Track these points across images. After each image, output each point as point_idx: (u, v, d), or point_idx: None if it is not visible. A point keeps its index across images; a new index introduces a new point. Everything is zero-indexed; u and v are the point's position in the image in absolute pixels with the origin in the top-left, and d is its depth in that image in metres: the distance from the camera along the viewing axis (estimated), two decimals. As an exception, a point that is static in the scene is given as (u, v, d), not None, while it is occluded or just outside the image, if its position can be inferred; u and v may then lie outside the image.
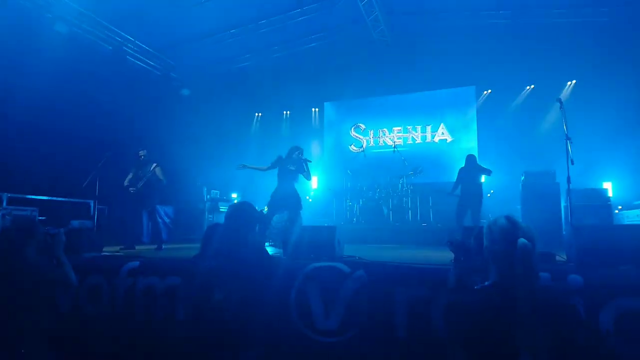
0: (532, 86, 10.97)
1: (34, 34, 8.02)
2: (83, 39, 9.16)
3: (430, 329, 3.28)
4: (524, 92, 11.10)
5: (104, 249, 5.50)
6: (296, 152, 6.55)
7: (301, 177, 6.62)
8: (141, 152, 7.12)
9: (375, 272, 3.68)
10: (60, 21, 8.37)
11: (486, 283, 2.19)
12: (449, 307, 3.18)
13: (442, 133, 11.86)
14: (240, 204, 3.11)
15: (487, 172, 7.71)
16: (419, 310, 3.35)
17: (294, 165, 6.49)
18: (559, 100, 5.33)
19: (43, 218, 7.29)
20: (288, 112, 13.63)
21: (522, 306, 1.98)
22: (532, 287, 1.99)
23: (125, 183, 6.96)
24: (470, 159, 7.94)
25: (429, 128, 12.05)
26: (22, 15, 7.92)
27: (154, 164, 6.98)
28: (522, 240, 2.03)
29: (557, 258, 3.97)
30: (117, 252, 5.81)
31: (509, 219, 2.17)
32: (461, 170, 7.90)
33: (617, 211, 8.78)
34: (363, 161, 11.33)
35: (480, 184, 7.73)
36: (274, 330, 3.52)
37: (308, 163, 6.56)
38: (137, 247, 6.56)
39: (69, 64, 8.26)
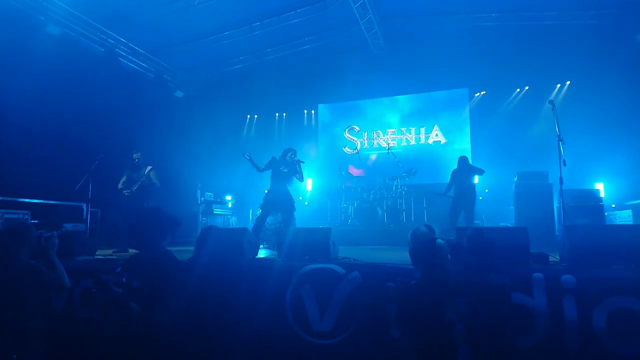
0: (527, 87, 11.05)
1: (26, 36, 7.95)
2: (75, 41, 9.11)
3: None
4: (516, 93, 11.18)
5: (97, 252, 5.47)
6: (289, 154, 6.58)
7: (295, 178, 6.62)
8: (135, 155, 7.08)
9: (369, 274, 3.69)
10: (52, 23, 8.33)
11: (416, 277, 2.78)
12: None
13: (436, 135, 11.91)
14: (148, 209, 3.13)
15: (480, 172, 7.77)
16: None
17: (287, 167, 6.51)
18: (551, 102, 5.38)
19: (35, 221, 7.23)
20: (283, 114, 13.63)
21: (443, 292, 2.61)
22: (448, 277, 2.65)
23: (120, 186, 6.91)
24: (462, 160, 8.00)
25: (422, 130, 12.10)
26: (14, 17, 7.86)
27: (148, 167, 6.95)
28: (439, 240, 2.75)
29: (551, 258, 4.00)
30: (110, 255, 5.77)
31: (428, 226, 2.95)
32: (454, 172, 7.96)
33: (607, 213, 8.86)
34: (357, 163, 11.36)
35: (473, 185, 7.75)
36: (269, 333, 3.52)
37: (301, 164, 6.57)
38: (130, 250, 6.50)
39: (61, 65, 8.20)
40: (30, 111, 7.81)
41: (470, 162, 8.31)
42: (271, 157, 6.65)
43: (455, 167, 7.98)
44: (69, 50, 8.77)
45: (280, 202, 6.46)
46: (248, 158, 6.60)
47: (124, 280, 2.64)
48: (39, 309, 2.89)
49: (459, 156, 8.19)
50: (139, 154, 7.11)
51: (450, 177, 8.01)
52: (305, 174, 6.99)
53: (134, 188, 6.80)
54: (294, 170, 6.53)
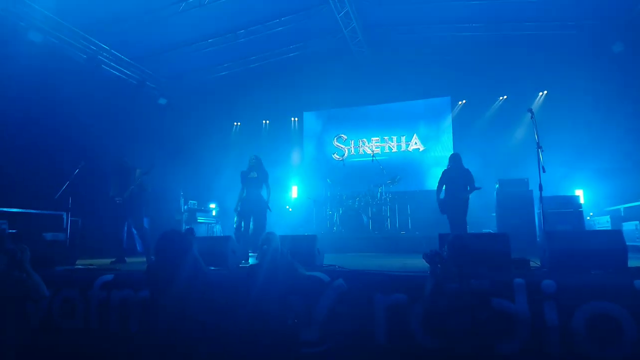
0: (505, 96, 11.27)
1: (6, 43, 7.82)
2: (57, 48, 8.98)
3: (409, 335, 3.32)
4: (497, 102, 11.40)
5: (77, 262, 5.36)
6: (253, 160, 6.74)
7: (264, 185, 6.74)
8: (124, 160, 6.77)
9: (354, 280, 3.70)
10: (34, 30, 8.20)
11: None
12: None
13: (415, 143, 12.10)
14: (166, 234, 3.15)
15: (471, 183, 6.68)
16: (398, 316, 3.39)
17: (255, 172, 6.66)
18: (530, 111, 5.50)
19: (14, 231, 7.04)
20: (267, 121, 13.63)
21: None
22: None
23: (111, 193, 6.59)
24: (454, 159, 6.91)
25: (403, 138, 12.25)
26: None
27: (138, 171, 6.67)
28: None
29: (532, 264, 4.06)
30: (91, 265, 5.65)
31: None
32: (445, 172, 6.95)
33: (588, 218, 9.06)
34: (343, 170, 11.40)
35: (466, 189, 6.71)
36: (255, 341, 3.48)
37: (261, 165, 6.72)
38: (128, 260, 6.32)
39: (42, 72, 8.05)
40: (9, 118, 7.66)
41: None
42: (240, 173, 6.84)
43: (446, 167, 7.01)
44: (51, 57, 8.64)
45: (252, 206, 6.58)
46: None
47: None
48: (15, 321, 2.83)
49: (445, 162, 7.25)
50: (126, 158, 6.81)
51: (440, 178, 6.97)
52: (290, 181, 7.09)
53: (127, 194, 6.48)
54: (262, 173, 6.68)
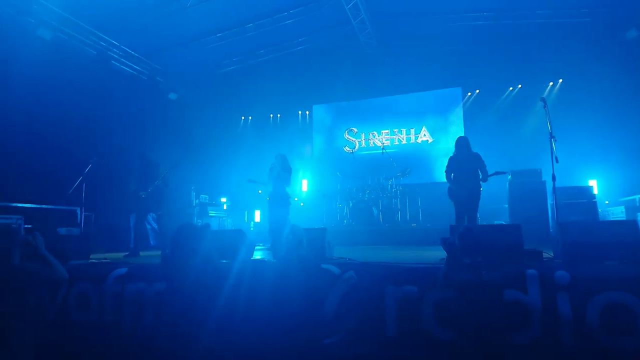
0: (519, 86, 11.11)
1: (16, 40, 7.90)
2: (67, 44, 9.04)
3: (420, 327, 3.31)
4: (509, 92, 11.24)
5: (91, 256, 5.44)
6: (278, 157, 6.90)
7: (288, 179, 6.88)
8: (148, 155, 6.78)
9: (365, 273, 3.69)
10: (43, 26, 8.27)
11: None
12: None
13: (424, 135, 12.02)
14: (182, 227, 3.21)
15: (483, 168, 5.96)
16: (408, 308, 3.38)
17: (279, 168, 6.83)
18: (543, 100, 5.39)
19: (29, 226, 7.17)
20: (278, 114, 13.63)
21: None
22: None
23: (134, 187, 6.59)
24: (461, 143, 6.10)
25: (412, 130, 12.17)
26: (3, 21, 7.81)
27: (169, 167, 6.72)
28: None
29: (545, 255, 4.02)
30: (104, 259, 5.73)
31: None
32: (452, 159, 6.17)
33: (602, 209, 8.93)
34: (353, 163, 11.37)
35: (478, 178, 5.95)
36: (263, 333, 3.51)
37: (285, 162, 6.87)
38: (141, 254, 6.35)
39: (53, 69, 8.15)
40: (22, 115, 7.75)
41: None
42: (268, 168, 6.99)
43: (452, 154, 6.20)
44: (61, 54, 8.72)
45: (278, 201, 6.76)
46: (251, 181, 7.06)
47: None
48: (32, 313, 2.88)
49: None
50: (150, 153, 6.82)
51: (447, 165, 6.21)
52: (299, 174, 7.19)
53: (150, 189, 6.48)
54: (287, 170, 6.84)
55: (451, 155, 6.22)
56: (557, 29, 9.96)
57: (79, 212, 7.53)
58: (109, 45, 9.95)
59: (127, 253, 6.29)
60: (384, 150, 10.83)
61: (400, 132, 12.29)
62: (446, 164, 6.23)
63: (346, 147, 12.69)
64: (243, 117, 13.93)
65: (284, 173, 6.73)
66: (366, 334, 3.47)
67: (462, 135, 7.36)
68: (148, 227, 7.29)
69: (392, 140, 12.31)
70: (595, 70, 9.61)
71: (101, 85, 9.33)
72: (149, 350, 3.49)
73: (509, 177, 8.16)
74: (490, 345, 2.61)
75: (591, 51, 9.65)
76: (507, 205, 8.52)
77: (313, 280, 3.21)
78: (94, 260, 5.22)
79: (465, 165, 5.95)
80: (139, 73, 11.13)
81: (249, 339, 3.07)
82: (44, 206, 7.94)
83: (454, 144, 6.25)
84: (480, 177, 5.89)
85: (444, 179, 6.28)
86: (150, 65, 11.25)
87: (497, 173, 5.92)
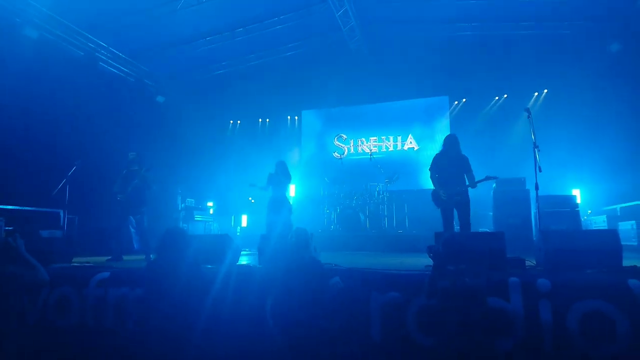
0: (505, 96, 11.29)
1: (1, 39, 7.78)
2: (54, 44, 8.94)
3: (404, 332, 3.33)
4: (495, 101, 11.41)
5: (73, 260, 5.36)
6: (278, 164, 7.25)
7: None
8: (131, 155, 6.70)
9: (350, 278, 3.70)
10: (29, 26, 8.17)
11: None
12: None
13: (410, 142, 12.14)
14: (169, 231, 3.23)
15: (469, 172, 5.51)
16: (393, 314, 3.40)
17: (278, 174, 7.14)
18: (527, 110, 5.47)
19: (10, 228, 7.03)
20: (266, 119, 13.63)
21: None
22: None
23: (114, 190, 6.52)
24: (449, 141, 5.53)
25: (399, 137, 12.27)
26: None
27: (145, 168, 6.61)
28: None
29: (527, 263, 4.08)
30: (87, 262, 5.64)
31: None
32: (438, 156, 5.65)
33: (585, 217, 9.09)
34: (340, 169, 11.40)
35: (465, 181, 5.54)
36: (250, 339, 3.49)
37: (284, 169, 7.17)
38: (125, 258, 6.26)
39: (39, 69, 8.04)
40: (5, 115, 7.63)
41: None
42: (268, 174, 7.24)
43: (439, 151, 5.69)
44: (47, 54, 8.60)
45: (277, 206, 6.96)
46: (253, 186, 7.35)
47: None
48: (12, 318, 2.82)
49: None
50: (134, 153, 6.73)
51: (432, 163, 5.71)
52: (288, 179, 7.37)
53: (129, 190, 6.40)
54: (286, 177, 7.18)
55: (437, 152, 5.69)
56: (542, 41, 10.16)
57: (62, 214, 7.42)
58: (97, 47, 9.87)
59: (110, 257, 6.21)
60: (372, 157, 10.90)
61: (388, 139, 12.40)
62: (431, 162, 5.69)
63: (335, 153, 12.74)
64: (232, 121, 13.89)
65: (285, 179, 7.01)
66: (351, 338, 3.48)
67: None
68: (132, 230, 7.19)
69: (379, 147, 12.40)
70: (579, 81, 9.82)
71: (88, 86, 9.21)
72: (133, 354, 3.45)
73: (494, 185, 8.26)
74: (473, 351, 2.64)
75: (575, 63, 9.88)
76: (491, 213, 8.61)
77: (319, 281, 3.22)
78: (76, 264, 5.15)
79: (454, 164, 5.47)
80: (127, 75, 11.04)
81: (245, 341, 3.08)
82: (26, 208, 7.80)
83: (438, 151, 5.77)
84: (467, 183, 5.47)
85: (431, 186, 5.75)
86: (138, 67, 11.18)
87: (488, 178, 5.54)
